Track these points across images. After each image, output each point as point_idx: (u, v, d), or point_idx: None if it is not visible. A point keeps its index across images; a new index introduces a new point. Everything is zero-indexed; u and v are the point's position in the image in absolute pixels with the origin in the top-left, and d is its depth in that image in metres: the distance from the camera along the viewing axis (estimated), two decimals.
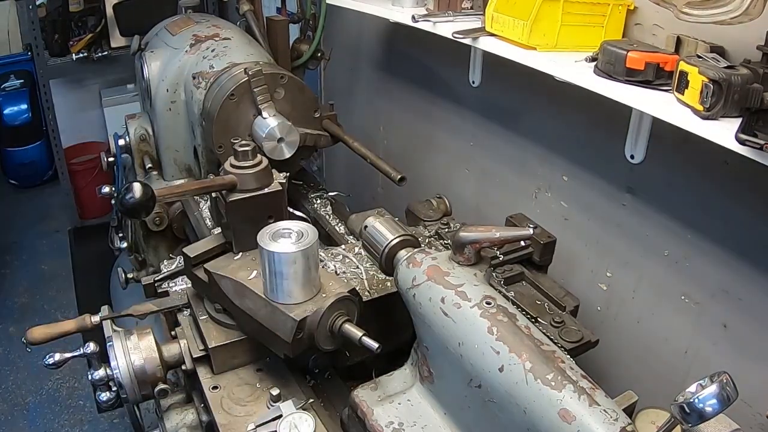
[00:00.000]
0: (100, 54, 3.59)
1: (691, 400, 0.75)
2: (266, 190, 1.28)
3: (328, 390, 1.30)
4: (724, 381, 0.75)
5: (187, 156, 2.10)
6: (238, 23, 2.29)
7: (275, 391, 1.16)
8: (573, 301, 1.43)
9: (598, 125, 1.67)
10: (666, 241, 1.56)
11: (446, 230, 1.55)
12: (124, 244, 2.31)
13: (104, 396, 1.26)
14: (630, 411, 1.12)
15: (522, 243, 1.46)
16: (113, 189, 2.07)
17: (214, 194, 1.32)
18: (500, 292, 1.24)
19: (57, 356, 1.29)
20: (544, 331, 1.09)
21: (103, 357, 1.27)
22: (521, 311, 1.12)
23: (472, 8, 1.86)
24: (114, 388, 1.25)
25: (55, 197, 4.23)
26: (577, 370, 0.93)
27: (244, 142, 1.28)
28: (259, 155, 1.30)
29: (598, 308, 1.79)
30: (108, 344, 1.24)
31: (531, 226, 1.51)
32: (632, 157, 1.57)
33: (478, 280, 1.05)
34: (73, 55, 3.59)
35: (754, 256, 1.37)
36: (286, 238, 1.12)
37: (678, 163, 1.48)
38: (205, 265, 1.27)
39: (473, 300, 1.01)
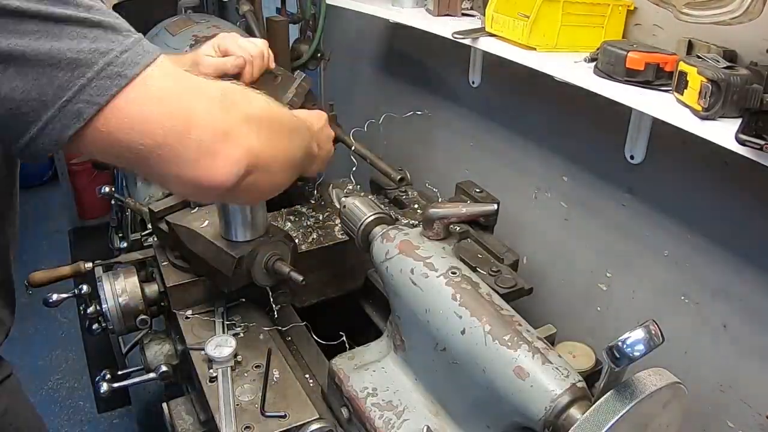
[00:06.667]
0: None
1: (619, 344, 0.80)
2: None
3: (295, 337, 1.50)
4: (651, 327, 0.81)
5: None
6: (237, 23, 2.30)
7: (237, 317, 1.43)
8: (513, 256, 1.53)
9: (597, 125, 1.67)
10: (666, 241, 1.56)
11: (404, 197, 1.72)
12: (124, 244, 2.31)
13: (95, 326, 1.50)
14: (550, 342, 1.21)
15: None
16: (113, 189, 2.07)
17: None
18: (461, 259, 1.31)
19: (55, 296, 1.53)
20: (482, 278, 1.19)
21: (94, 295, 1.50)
22: (462, 262, 1.20)
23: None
24: (104, 324, 1.47)
25: (55, 197, 4.23)
26: (533, 332, 0.99)
27: None
28: None
29: (598, 308, 1.80)
30: (98, 283, 1.43)
31: (477, 190, 1.67)
32: (632, 157, 1.57)
33: (445, 252, 1.14)
34: None
35: (754, 256, 1.37)
36: None
37: (678, 163, 1.48)
38: (166, 218, 1.50)
39: (440, 270, 1.08)
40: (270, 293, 1.43)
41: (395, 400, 1.11)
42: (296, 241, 1.48)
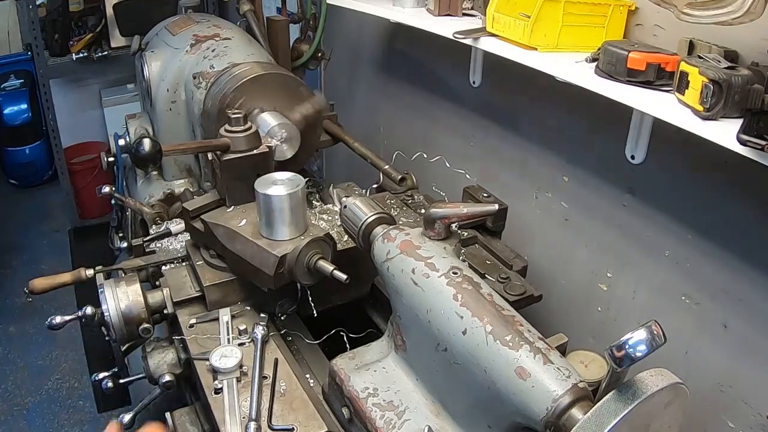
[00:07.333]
0: (100, 54, 3.59)
1: (622, 344, 0.80)
2: (255, 151, 1.49)
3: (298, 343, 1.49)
4: (653, 327, 0.81)
5: (187, 156, 2.10)
6: (238, 23, 2.30)
7: (242, 326, 1.38)
8: (521, 262, 1.54)
9: (598, 126, 1.67)
10: (666, 241, 1.56)
11: (410, 201, 1.72)
12: (124, 244, 2.31)
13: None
14: (561, 351, 1.19)
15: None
16: (113, 189, 2.07)
17: (210, 156, 1.52)
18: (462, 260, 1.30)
19: (58, 318, 1.46)
20: (491, 285, 1.20)
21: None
22: (471, 269, 1.19)
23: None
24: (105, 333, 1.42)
25: (55, 197, 4.23)
26: (534, 332, 0.98)
27: (236, 110, 1.49)
28: (249, 122, 1.50)
29: (599, 309, 1.80)
30: (100, 291, 1.41)
31: (485, 195, 1.66)
32: (633, 157, 1.57)
33: (447, 252, 1.13)
34: (73, 55, 3.59)
35: (754, 257, 1.37)
36: (278, 185, 1.32)
37: (679, 163, 1.48)
38: (201, 217, 1.48)
39: (441, 270, 1.08)
40: (305, 294, 1.40)
41: (396, 400, 1.11)
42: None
